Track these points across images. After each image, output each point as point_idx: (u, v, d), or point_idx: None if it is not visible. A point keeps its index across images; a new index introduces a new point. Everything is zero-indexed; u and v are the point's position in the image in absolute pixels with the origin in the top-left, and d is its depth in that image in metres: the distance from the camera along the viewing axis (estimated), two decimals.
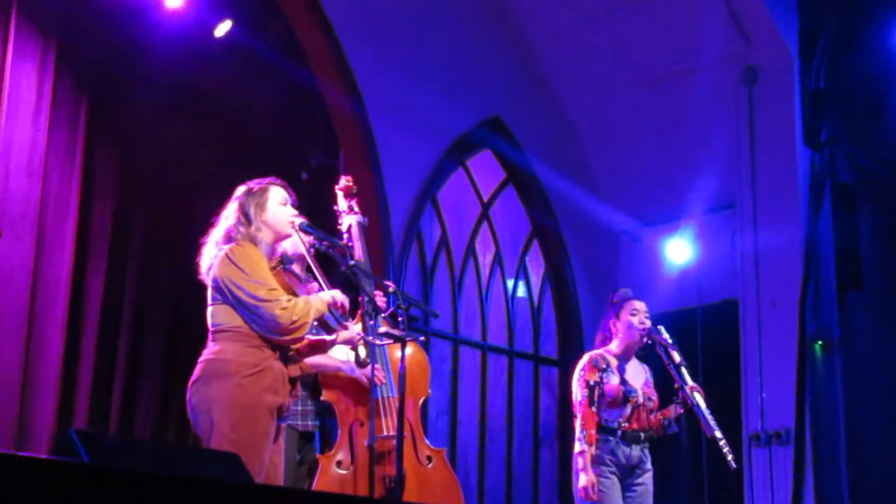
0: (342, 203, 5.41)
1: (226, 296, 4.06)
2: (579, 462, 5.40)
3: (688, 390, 5.42)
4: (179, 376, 7.06)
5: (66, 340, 6.71)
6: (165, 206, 7.38)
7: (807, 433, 7.83)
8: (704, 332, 8.44)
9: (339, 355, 4.95)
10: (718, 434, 5.31)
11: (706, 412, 5.35)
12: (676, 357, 5.48)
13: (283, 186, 4.35)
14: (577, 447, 5.44)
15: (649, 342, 5.64)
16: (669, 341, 5.52)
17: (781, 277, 8.17)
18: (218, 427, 3.93)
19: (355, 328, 4.38)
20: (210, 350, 4.08)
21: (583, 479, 5.36)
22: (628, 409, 5.53)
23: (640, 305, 5.70)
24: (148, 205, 7.45)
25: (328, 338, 4.29)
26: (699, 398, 5.40)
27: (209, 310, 4.15)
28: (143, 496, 2.22)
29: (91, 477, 2.16)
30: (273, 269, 4.21)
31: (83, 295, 6.96)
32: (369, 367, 4.86)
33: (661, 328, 5.59)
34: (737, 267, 8.50)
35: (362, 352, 4.45)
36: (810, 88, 8.40)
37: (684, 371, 5.49)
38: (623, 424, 5.50)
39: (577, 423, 5.52)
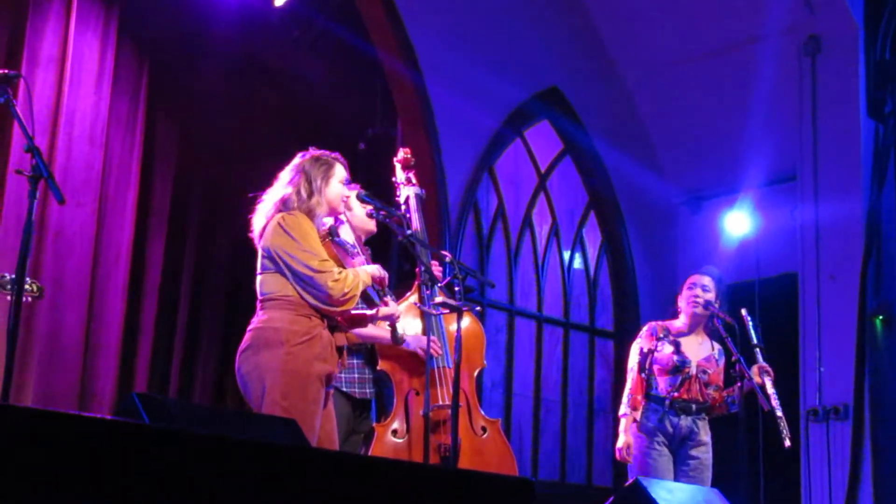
0: (400, 175, 5.45)
1: (278, 265, 4.10)
2: (621, 423, 5.60)
3: (754, 369, 5.43)
4: (238, 343, 7.12)
5: (126, 306, 6.81)
6: (225, 174, 7.44)
7: (865, 409, 7.74)
8: (763, 305, 8.36)
9: (409, 325, 5.00)
10: (779, 413, 5.31)
11: (770, 391, 5.35)
12: (754, 339, 5.50)
13: (345, 166, 4.39)
14: (621, 409, 5.63)
15: (709, 315, 5.64)
16: (750, 322, 5.54)
17: (842, 251, 8.06)
18: (269, 394, 3.98)
19: (395, 305, 4.40)
20: (259, 318, 4.12)
21: (621, 441, 5.58)
22: (678, 379, 5.56)
23: (698, 279, 5.74)
24: (208, 173, 7.51)
25: (369, 312, 4.31)
26: (766, 379, 5.40)
27: (259, 278, 4.20)
28: (203, 459, 2.25)
29: (152, 438, 2.20)
30: (322, 240, 4.24)
31: (144, 261, 7.05)
32: (423, 340, 4.92)
33: (744, 311, 5.60)
34: (796, 240, 8.40)
35: (399, 328, 4.48)
36: (875, 59, 8.25)
37: (758, 352, 5.49)
38: (672, 394, 5.54)
39: (626, 387, 5.66)
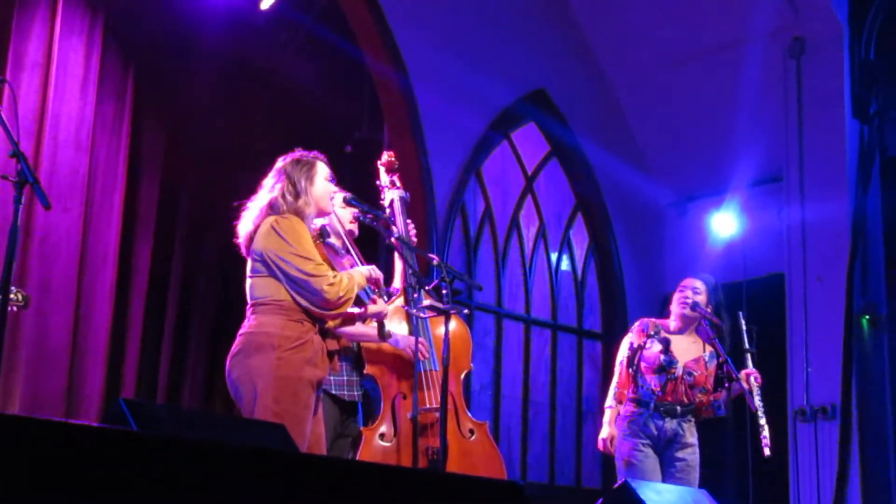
0: (384, 178, 5.43)
1: (271, 269, 4.07)
2: (606, 415, 5.69)
3: (742, 375, 5.46)
4: (226, 347, 7.08)
5: (113, 311, 6.79)
6: (212, 177, 7.42)
7: (853, 409, 7.76)
8: (750, 305, 8.37)
9: (395, 327, 4.99)
10: (762, 420, 5.35)
11: (756, 398, 5.39)
12: (746, 343, 5.55)
13: (327, 163, 4.38)
14: (607, 402, 5.73)
15: (699, 317, 5.66)
16: (743, 327, 5.58)
17: (828, 252, 8.09)
18: (261, 399, 3.96)
19: (382, 303, 4.39)
20: (250, 323, 4.10)
21: (604, 431, 5.68)
22: (664, 379, 5.59)
23: (690, 282, 5.79)
24: (194, 176, 7.50)
25: (356, 310, 4.30)
26: (754, 384, 5.43)
27: (249, 282, 4.17)
28: (192, 464, 2.25)
29: (140, 445, 2.19)
30: (314, 241, 4.23)
31: (131, 266, 7.03)
32: (412, 339, 4.92)
33: (740, 315, 5.64)
34: (783, 241, 8.43)
35: (386, 325, 4.46)
36: (860, 59, 8.27)
37: (748, 357, 5.53)
38: (657, 394, 5.56)
39: (613, 380, 5.74)
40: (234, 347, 4.10)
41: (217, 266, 7.49)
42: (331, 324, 4.21)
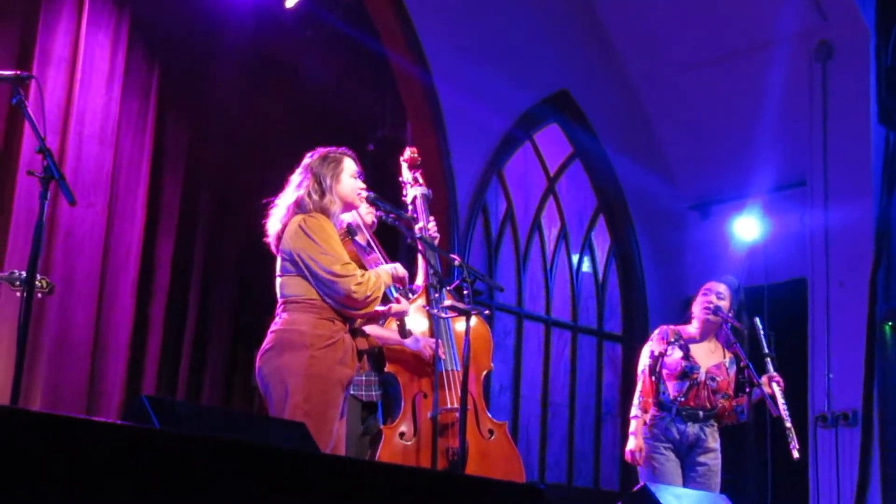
0: (406, 174, 5.42)
1: (299, 267, 4.07)
2: (632, 425, 5.60)
3: (764, 379, 5.43)
4: (247, 344, 7.14)
5: (135, 307, 6.81)
6: (235, 174, 7.44)
7: (874, 415, 7.72)
8: (772, 310, 8.35)
9: (416, 325, 4.98)
10: (788, 423, 5.31)
11: (780, 402, 5.35)
12: (765, 348, 5.52)
13: (355, 159, 4.37)
14: (632, 411, 5.64)
15: (721, 321, 5.63)
16: (762, 332, 5.54)
17: (851, 257, 8.05)
18: (292, 397, 3.96)
19: (405, 302, 4.38)
20: (282, 320, 4.10)
21: (631, 443, 5.57)
22: (686, 385, 5.56)
23: (713, 286, 5.74)
24: (217, 173, 7.51)
25: (381, 309, 4.30)
26: (776, 388, 5.40)
27: (279, 280, 4.17)
28: (213, 462, 2.25)
29: (162, 442, 2.19)
30: (341, 239, 4.24)
31: (153, 262, 7.05)
32: (432, 340, 4.92)
33: (757, 320, 5.60)
34: (806, 245, 8.39)
35: (407, 323, 4.45)
36: (886, 65, 8.23)
37: (769, 362, 5.49)
38: (680, 399, 5.53)
39: (637, 390, 5.68)
40: (266, 344, 4.09)
41: (238, 262, 7.50)
42: (357, 322, 4.21)
